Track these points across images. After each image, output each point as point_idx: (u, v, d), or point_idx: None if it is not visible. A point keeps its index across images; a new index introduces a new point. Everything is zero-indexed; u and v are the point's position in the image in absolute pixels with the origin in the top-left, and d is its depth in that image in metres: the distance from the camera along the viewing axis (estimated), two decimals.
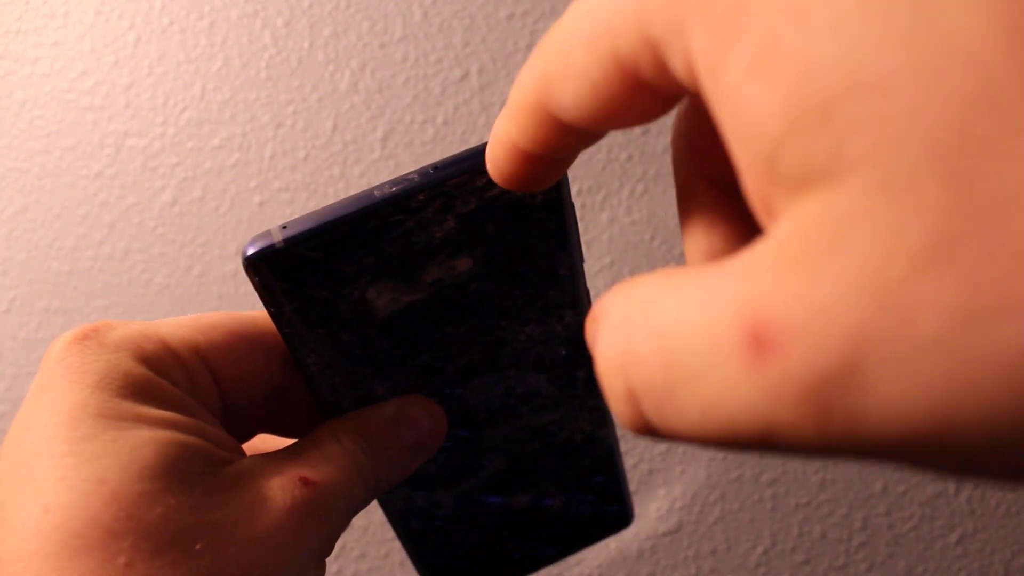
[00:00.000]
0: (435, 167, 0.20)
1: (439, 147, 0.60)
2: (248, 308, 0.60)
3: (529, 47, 0.61)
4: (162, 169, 0.60)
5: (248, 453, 0.22)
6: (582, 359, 0.24)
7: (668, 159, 0.60)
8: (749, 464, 0.59)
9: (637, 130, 0.60)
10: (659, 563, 0.59)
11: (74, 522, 0.17)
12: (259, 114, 0.60)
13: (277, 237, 0.20)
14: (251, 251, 0.20)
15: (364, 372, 0.23)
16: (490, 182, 0.20)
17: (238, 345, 0.22)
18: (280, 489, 0.20)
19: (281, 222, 0.21)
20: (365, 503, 0.23)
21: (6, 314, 0.60)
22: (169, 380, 0.21)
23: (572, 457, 0.27)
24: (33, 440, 0.19)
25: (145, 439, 0.19)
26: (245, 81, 0.60)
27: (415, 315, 0.22)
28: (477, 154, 0.20)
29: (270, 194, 0.60)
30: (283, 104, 0.60)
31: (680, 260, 0.59)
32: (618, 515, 0.29)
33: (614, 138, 0.60)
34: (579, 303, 0.23)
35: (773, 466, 0.59)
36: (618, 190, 0.60)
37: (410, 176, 0.20)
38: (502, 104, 0.60)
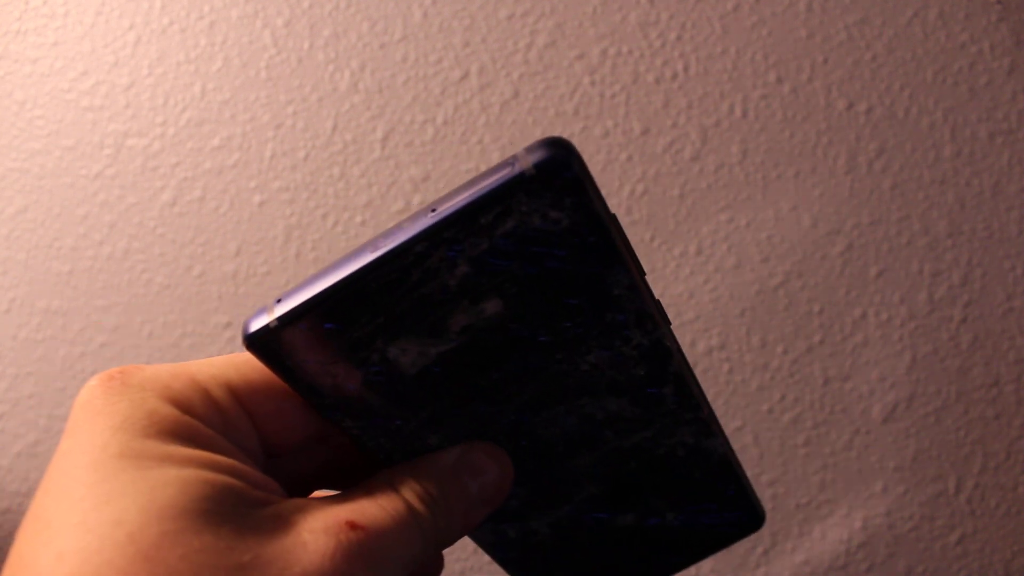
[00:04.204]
0: (432, 209, 0.18)
1: (439, 147, 0.60)
2: (248, 308, 0.60)
3: (529, 47, 0.61)
4: (162, 169, 0.60)
5: None
6: (666, 375, 0.22)
7: (668, 159, 0.60)
8: (749, 464, 0.59)
9: (637, 130, 0.60)
10: None
11: (87, 567, 0.16)
12: (259, 114, 0.60)
13: (271, 315, 0.19)
14: (247, 332, 0.19)
15: (409, 427, 0.21)
16: (497, 218, 0.18)
17: (275, 382, 0.21)
18: (323, 532, 0.18)
19: (277, 295, 0.19)
20: (424, 556, 0.20)
21: (6, 314, 0.60)
22: (200, 419, 0.19)
23: (678, 471, 0.25)
24: (54, 486, 0.18)
25: (169, 478, 0.17)
26: (245, 81, 0.60)
27: (451, 364, 0.20)
28: (477, 189, 0.18)
29: (270, 194, 0.60)
30: (283, 104, 0.60)
31: (680, 260, 0.59)
32: (747, 519, 0.27)
33: (614, 138, 0.60)
34: (646, 320, 0.21)
35: (773, 466, 0.59)
36: (618, 190, 0.60)
37: (406, 225, 0.18)
38: (502, 104, 0.60)
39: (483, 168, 0.60)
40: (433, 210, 0.18)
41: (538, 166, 0.18)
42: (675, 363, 0.22)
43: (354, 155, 0.60)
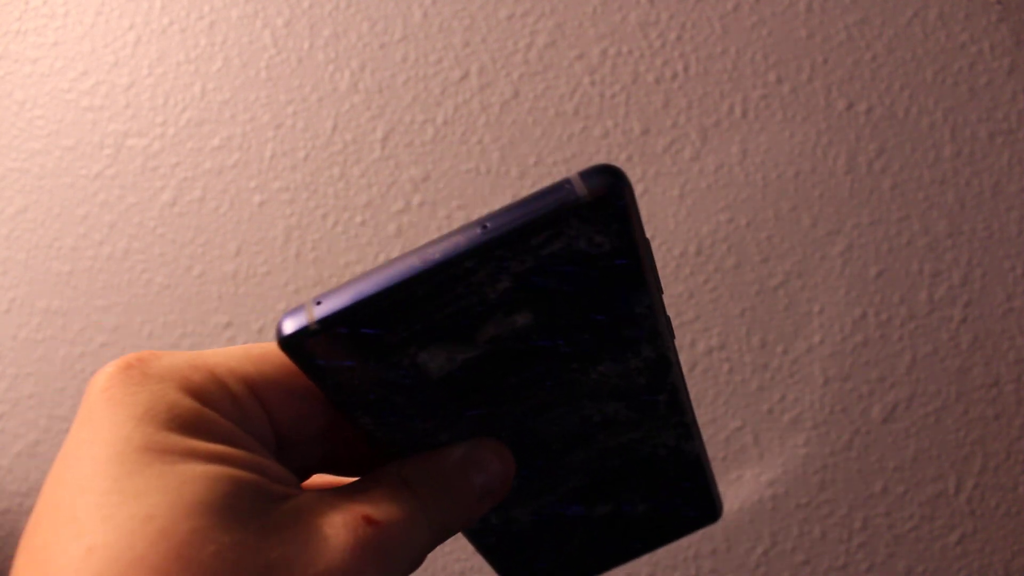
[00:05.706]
0: (484, 225, 0.19)
1: (439, 147, 0.60)
2: (248, 308, 0.60)
3: (529, 47, 0.61)
4: (162, 169, 0.60)
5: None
6: (663, 384, 0.23)
7: (668, 159, 0.60)
8: (749, 464, 0.59)
9: (637, 130, 0.60)
10: (659, 563, 0.59)
11: (119, 564, 0.16)
12: (259, 114, 0.60)
13: (311, 316, 0.19)
14: (284, 333, 0.19)
15: (425, 426, 0.22)
16: (547, 240, 0.19)
17: (291, 377, 0.21)
18: (343, 527, 0.19)
19: (316, 295, 0.19)
20: (430, 548, 0.21)
21: (6, 314, 0.60)
22: (218, 412, 0.20)
23: (656, 469, 0.26)
24: (75, 477, 0.18)
25: (195, 474, 0.18)
26: (245, 81, 0.60)
27: (473, 370, 0.21)
28: (532, 211, 0.18)
29: (270, 194, 0.60)
30: (283, 104, 0.60)
31: (680, 260, 0.59)
32: (707, 512, 0.29)
33: (614, 138, 0.60)
34: (657, 335, 0.22)
35: (773, 466, 0.59)
36: None
37: (456, 238, 0.19)
38: (502, 104, 0.60)
39: (483, 168, 0.60)
40: (484, 226, 0.19)
41: (594, 193, 0.18)
42: (673, 373, 0.23)
43: (354, 155, 0.60)
